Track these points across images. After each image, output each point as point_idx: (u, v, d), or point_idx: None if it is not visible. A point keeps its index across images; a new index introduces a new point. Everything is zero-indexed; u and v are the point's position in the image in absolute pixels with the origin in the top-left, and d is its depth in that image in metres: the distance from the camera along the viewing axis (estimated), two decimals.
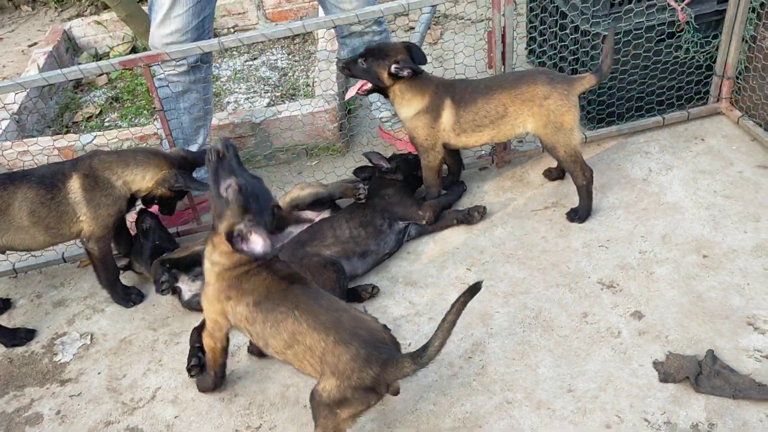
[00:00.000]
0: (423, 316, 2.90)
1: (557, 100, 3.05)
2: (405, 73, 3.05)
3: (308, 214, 2.40)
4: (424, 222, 3.22)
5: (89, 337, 3.03)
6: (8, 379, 2.89)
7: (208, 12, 3.15)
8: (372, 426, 2.51)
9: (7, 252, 3.07)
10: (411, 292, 3.02)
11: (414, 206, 3.22)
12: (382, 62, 3.06)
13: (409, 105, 3.14)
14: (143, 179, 2.98)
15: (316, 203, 3.20)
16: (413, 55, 3.09)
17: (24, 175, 2.91)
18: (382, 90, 3.16)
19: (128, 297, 3.14)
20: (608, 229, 3.18)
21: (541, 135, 3.13)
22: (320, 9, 4.73)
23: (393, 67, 3.04)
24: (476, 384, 2.61)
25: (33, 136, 4.00)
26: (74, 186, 2.89)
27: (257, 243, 2.17)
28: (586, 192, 3.20)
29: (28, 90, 4.12)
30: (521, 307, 2.88)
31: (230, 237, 2.18)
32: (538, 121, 3.10)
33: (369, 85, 3.16)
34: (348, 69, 3.15)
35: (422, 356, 2.16)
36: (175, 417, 2.64)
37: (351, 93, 3.25)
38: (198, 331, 2.82)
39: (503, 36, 3.22)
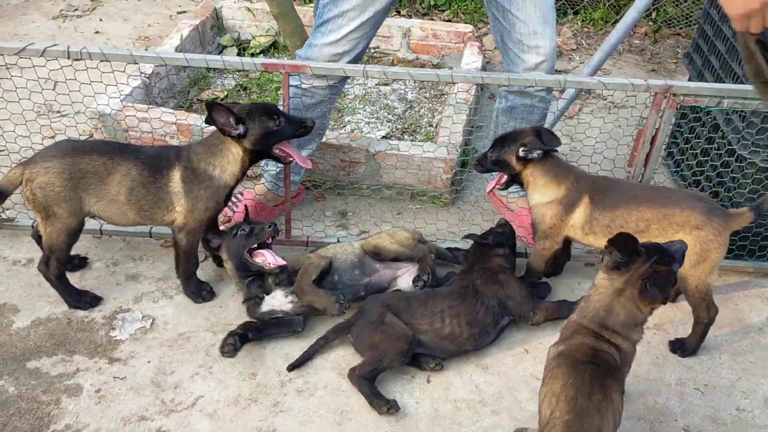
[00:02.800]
0: (487, 406, 2.70)
1: (709, 234, 2.78)
2: (534, 155, 2.89)
3: None
4: (531, 324, 3.00)
5: (150, 321, 2.97)
6: (62, 340, 2.86)
7: (372, 35, 3.15)
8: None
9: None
10: (480, 376, 2.82)
11: (528, 305, 2.95)
12: (510, 148, 2.94)
13: (543, 191, 2.96)
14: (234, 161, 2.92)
15: (396, 260, 3.07)
16: (543, 137, 2.90)
17: (134, 151, 2.89)
18: (516, 178, 3.03)
19: (200, 292, 3.07)
20: (708, 373, 2.90)
21: None
22: (465, 54, 4.63)
23: (521, 151, 2.90)
24: None
25: (157, 104, 4.03)
26: (176, 176, 2.86)
27: None
28: (702, 330, 2.94)
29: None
30: None
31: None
32: None
33: (505, 178, 3.07)
34: (480, 165, 3.08)
35: None
36: None
37: (490, 187, 3.18)
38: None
39: (653, 138, 3.01)
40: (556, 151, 2.96)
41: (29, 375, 2.70)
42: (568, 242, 3.17)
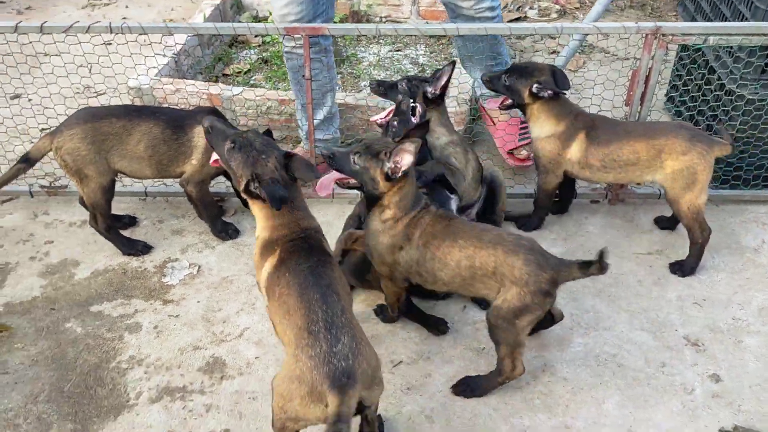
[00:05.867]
0: None
1: (695, 158, 3.04)
2: (545, 94, 3.11)
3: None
4: None
5: (197, 268, 3.29)
6: (119, 287, 3.20)
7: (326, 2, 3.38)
8: (429, 424, 2.63)
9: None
10: None
11: None
12: (525, 81, 3.13)
13: (542, 126, 3.21)
14: None
15: None
16: (557, 78, 3.13)
17: (153, 112, 3.24)
18: (521, 106, 3.25)
19: (226, 231, 3.43)
20: (707, 289, 3.16)
21: (668, 188, 3.13)
22: None
23: (534, 87, 3.11)
24: (539, 402, 2.68)
25: (185, 78, 4.34)
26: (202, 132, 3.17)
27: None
28: (698, 250, 3.19)
29: (194, 35, 4.47)
30: (601, 342, 2.92)
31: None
32: (669, 174, 3.09)
33: (509, 101, 3.27)
34: (491, 83, 3.26)
35: (590, 267, 2.42)
36: (256, 357, 2.86)
37: (491, 105, 3.33)
38: None
39: (647, 77, 3.25)
40: (565, 93, 3.20)
41: (93, 317, 3.04)
42: (572, 180, 3.43)
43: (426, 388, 2.74)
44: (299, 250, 2.36)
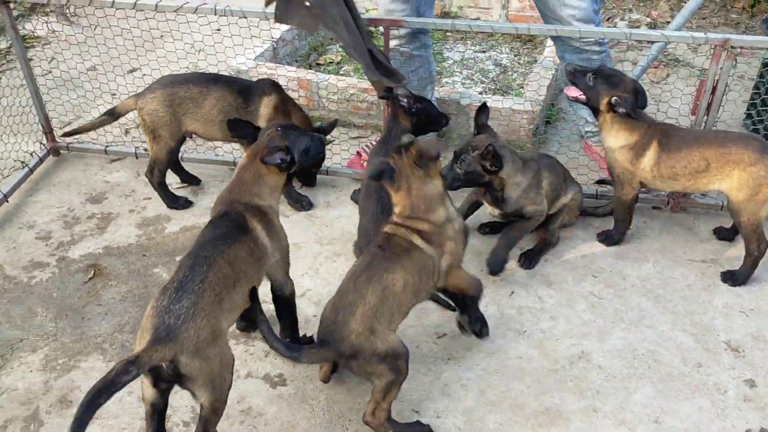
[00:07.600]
0: (546, 312, 3.15)
1: (761, 170, 3.08)
2: (621, 110, 3.16)
3: None
4: None
5: None
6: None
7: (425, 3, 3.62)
8: (464, 392, 2.83)
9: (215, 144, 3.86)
10: (543, 290, 3.27)
11: None
12: (608, 89, 3.19)
13: (616, 137, 3.26)
14: None
15: None
16: (639, 96, 3.20)
17: (228, 81, 3.60)
18: (594, 109, 3.31)
19: (300, 202, 3.74)
20: (756, 300, 3.21)
21: (732, 197, 3.17)
22: None
23: (614, 99, 3.17)
24: (571, 384, 2.83)
25: (281, 64, 4.70)
26: (269, 103, 3.53)
27: None
28: (753, 262, 3.24)
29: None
30: (641, 338, 3.03)
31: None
32: (735, 183, 3.14)
33: (582, 97, 3.29)
34: (574, 75, 3.29)
35: None
36: (314, 315, 3.13)
37: (570, 92, 3.34)
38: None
39: (714, 87, 3.32)
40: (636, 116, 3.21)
41: None
42: None
43: (465, 360, 2.94)
44: (215, 222, 2.51)
